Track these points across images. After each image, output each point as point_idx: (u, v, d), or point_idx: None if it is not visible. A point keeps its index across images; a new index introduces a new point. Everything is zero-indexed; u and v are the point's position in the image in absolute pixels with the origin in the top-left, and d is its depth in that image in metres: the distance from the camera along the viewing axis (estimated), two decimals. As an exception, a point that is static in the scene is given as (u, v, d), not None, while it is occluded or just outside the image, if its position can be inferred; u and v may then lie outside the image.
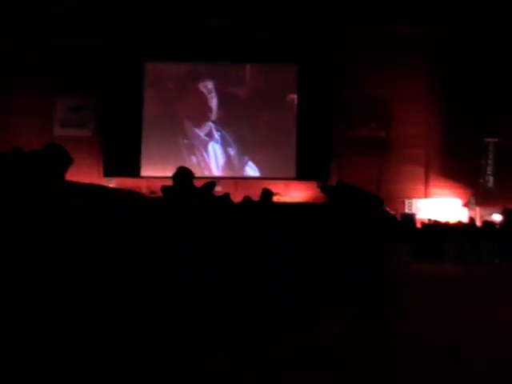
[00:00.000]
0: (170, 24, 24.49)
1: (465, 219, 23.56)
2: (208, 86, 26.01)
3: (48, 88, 25.52)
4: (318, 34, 24.87)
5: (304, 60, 25.60)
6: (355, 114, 25.62)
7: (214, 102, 26.05)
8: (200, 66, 25.94)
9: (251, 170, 25.73)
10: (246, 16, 24.42)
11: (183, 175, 7.68)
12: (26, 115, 25.64)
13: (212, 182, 8.43)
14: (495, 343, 7.69)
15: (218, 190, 25.28)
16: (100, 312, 3.96)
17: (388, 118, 25.98)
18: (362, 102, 25.46)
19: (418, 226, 22.87)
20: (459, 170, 24.80)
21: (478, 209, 24.83)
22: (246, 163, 25.80)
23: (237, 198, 11.88)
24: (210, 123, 25.96)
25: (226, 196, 9.64)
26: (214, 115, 25.98)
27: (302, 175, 25.50)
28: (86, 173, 25.00)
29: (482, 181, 24.78)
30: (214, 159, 25.85)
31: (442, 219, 23.27)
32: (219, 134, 25.84)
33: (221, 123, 25.88)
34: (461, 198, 25.08)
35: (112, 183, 24.98)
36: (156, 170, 24.99)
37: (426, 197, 25.32)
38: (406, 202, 25.08)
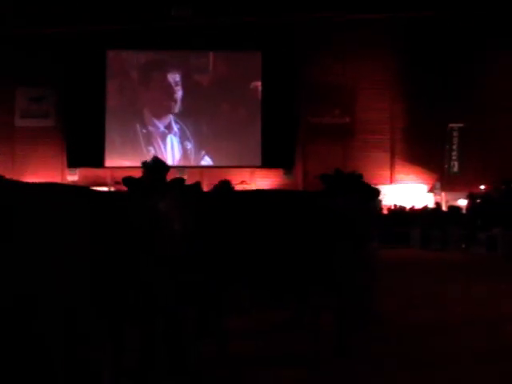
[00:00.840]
0: (132, 12, 24.22)
1: (431, 204, 23.61)
2: (171, 75, 25.80)
3: (8, 79, 25.09)
4: (281, 21, 24.73)
5: (268, 47, 25.49)
6: (319, 101, 25.60)
7: (176, 91, 25.84)
8: (162, 55, 25.79)
9: (215, 159, 25.56)
10: (209, 3, 24.25)
11: (155, 167, 7.53)
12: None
13: (181, 178, 8.27)
14: (469, 323, 7.85)
15: (184, 178, 25.05)
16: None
17: (352, 104, 26.00)
18: (326, 89, 25.44)
19: (385, 212, 22.87)
20: (424, 156, 24.89)
21: (443, 194, 24.94)
22: (210, 151, 25.63)
23: (204, 187, 11.80)
24: (173, 112, 25.74)
25: (197, 185, 9.51)
26: (177, 104, 25.75)
27: (267, 163, 25.42)
28: (49, 164, 24.79)
29: (446, 166, 24.86)
30: (177, 148, 25.64)
31: (408, 205, 23.32)
32: (183, 123, 25.63)
33: (184, 112, 25.70)
34: (426, 183, 25.17)
35: (75, 174, 24.79)
36: (120, 161, 24.81)
37: (391, 183, 25.34)
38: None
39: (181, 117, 25.65)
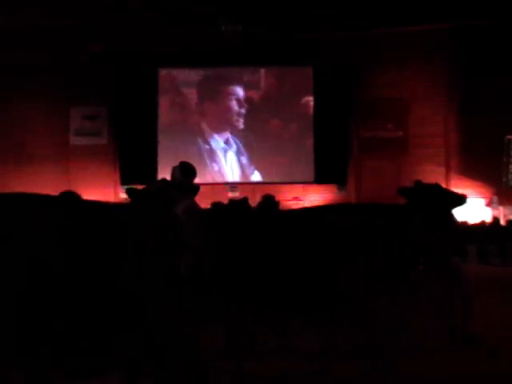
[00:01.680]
0: (182, 31, 24.28)
1: (488, 219, 23.16)
2: (222, 92, 25.76)
3: (63, 98, 25.36)
4: (332, 36, 24.58)
5: (319, 62, 25.35)
6: (372, 115, 25.37)
7: (228, 108, 25.79)
8: (213, 72, 25.77)
9: (267, 175, 25.41)
10: (259, 20, 24.19)
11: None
12: (41, 127, 25.47)
13: (197, 186, 8.21)
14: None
15: (235, 195, 25.19)
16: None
17: (405, 118, 25.67)
18: (379, 103, 25.23)
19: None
20: (481, 169, 24.43)
21: (501, 208, 24.42)
22: (261, 167, 25.50)
23: (256, 203, 11.68)
24: (227, 127, 25.67)
25: (245, 201, 9.41)
26: (228, 120, 25.70)
27: (320, 178, 25.23)
28: (103, 181, 24.91)
29: (504, 179, 24.38)
30: (229, 165, 25.56)
31: (465, 219, 22.92)
32: (235, 139, 25.57)
33: (237, 128, 25.62)
34: (483, 197, 24.67)
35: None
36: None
37: (447, 197, 24.89)
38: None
39: (233, 133, 25.60)
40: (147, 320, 6.43)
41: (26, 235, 6.07)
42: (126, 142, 25.29)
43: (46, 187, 23.35)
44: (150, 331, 6.52)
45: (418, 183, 8.98)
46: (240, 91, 25.74)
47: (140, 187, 7.35)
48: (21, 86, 25.37)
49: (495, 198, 24.55)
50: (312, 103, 25.61)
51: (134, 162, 25.11)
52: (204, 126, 25.66)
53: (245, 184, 24.98)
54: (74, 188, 11.03)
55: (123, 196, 24.96)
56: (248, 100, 25.73)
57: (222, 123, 25.67)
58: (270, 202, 9.49)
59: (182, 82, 25.88)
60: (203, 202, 25.59)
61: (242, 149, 25.54)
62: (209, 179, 25.22)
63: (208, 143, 25.62)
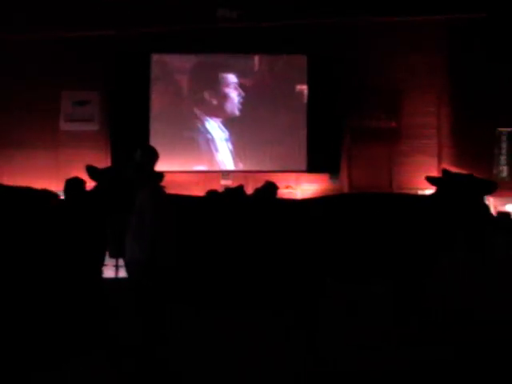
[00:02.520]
0: (176, 15, 24.16)
1: (478, 210, 23.13)
2: (216, 79, 25.61)
3: (53, 82, 25.12)
4: (327, 24, 24.51)
5: (313, 50, 25.25)
6: (365, 104, 25.34)
7: (222, 95, 25.66)
8: (207, 58, 25.60)
9: (260, 163, 25.32)
10: (254, 6, 24.11)
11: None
12: (29, 112, 25.20)
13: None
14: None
15: (228, 183, 25.09)
16: None
17: (398, 108, 25.66)
18: (372, 93, 25.19)
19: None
20: (472, 160, 24.41)
21: (491, 199, 24.43)
22: (254, 155, 25.40)
23: (248, 191, 11.63)
24: (220, 115, 25.54)
25: (240, 189, 9.34)
26: (222, 107, 25.57)
27: (312, 167, 25.18)
28: (93, 168, 24.70)
29: (495, 171, 24.42)
30: (222, 152, 25.45)
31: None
32: (228, 126, 25.45)
33: (230, 116, 25.50)
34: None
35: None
36: (165, 164, 24.65)
37: (439, 188, 24.90)
38: (419, 193, 24.69)
39: (226, 120, 25.47)
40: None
41: None
42: (118, 129, 25.08)
43: (35, 173, 23.32)
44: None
45: (446, 172, 8.95)
46: (233, 78, 25.62)
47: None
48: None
49: (487, 190, 24.54)
50: (306, 92, 25.49)
51: (126, 148, 24.83)
52: (197, 112, 25.51)
53: (237, 172, 24.92)
54: (64, 174, 10.95)
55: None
56: (241, 87, 25.60)
57: (215, 110, 25.54)
58: (270, 188, 9.42)
59: (174, 68, 25.71)
60: (196, 189, 25.52)
61: (235, 136, 25.43)
62: (201, 167, 25.15)
63: (201, 130, 25.49)
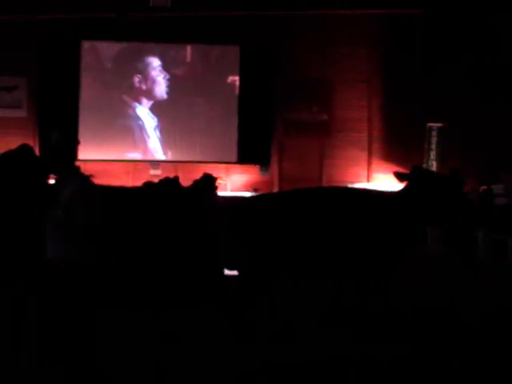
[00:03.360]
0: (109, 2, 23.82)
1: (408, 204, 23.34)
2: (147, 68, 25.32)
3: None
4: (260, 15, 24.44)
5: (246, 42, 25.16)
6: (297, 97, 25.37)
7: (152, 84, 25.38)
8: (139, 46, 25.34)
9: (190, 154, 25.14)
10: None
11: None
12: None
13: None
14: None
15: (157, 173, 24.86)
16: None
17: (330, 101, 25.72)
18: (304, 86, 25.23)
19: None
20: (402, 155, 24.60)
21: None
22: (185, 146, 25.23)
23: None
24: (150, 104, 25.25)
25: (176, 180, 9.11)
26: (152, 97, 25.30)
27: (243, 159, 25.11)
28: (20, 155, 24.17)
29: (425, 165, 24.65)
30: (152, 142, 25.19)
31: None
32: (158, 116, 25.20)
33: (159, 104, 25.25)
34: (404, 182, 24.84)
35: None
36: (94, 153, 24.39)
37: (368, 181, 25.13)
38: (349, 186, 24.83)
39: (156, 109, 25.21)
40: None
41: None
42: (47, 116, 24.60)
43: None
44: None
45: (416, 168, 8.95)
46: (165, 67, 25.36)
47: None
48: None
49: (415, 184, 24.78)
50: (238, 83, 25.39)
51: (54, 136, 24.52)
52: (126, 101, 25.18)
53: (167, 162, 24.72)
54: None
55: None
56: (173, 77, 25.36)
57: (146, 99, 25.25)
58: (209, 180, 9.20)
59: (105, 55, 25.32)
60: (125, 179, 25.24)
61: (165, 125, 25.20)
62: (133, 154, 24.87)
63: (130, 120, 25.17)
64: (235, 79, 25.53)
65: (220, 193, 10.10)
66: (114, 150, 24.74)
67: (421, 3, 24.04)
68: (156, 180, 9.29)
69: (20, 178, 6.32)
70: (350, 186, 24.74)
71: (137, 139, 25.15)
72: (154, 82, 25.39)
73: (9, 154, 6.59)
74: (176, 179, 8.88)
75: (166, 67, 25.37)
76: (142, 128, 25.22)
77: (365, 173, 25.39)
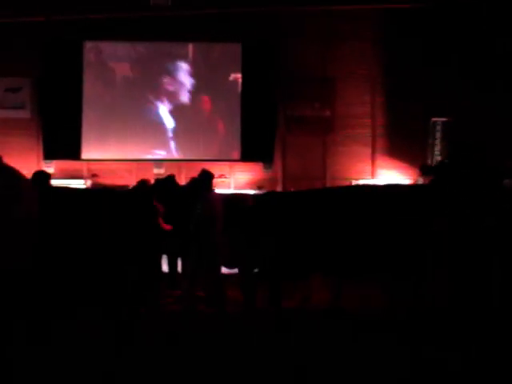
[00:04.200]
0: (110, 2, 23.83)
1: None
2: (150, 66, 25.34)
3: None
4: (262, 12, 24.40)
5: (248, 39, 25.15)
6: (300, 94, 25.30)
7: (155, 83, 25.39)
8: (141, 46, 25.30)
9: (193, 152, 25.14)
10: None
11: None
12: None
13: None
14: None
15: (161, 172, 24.86)
16: None
17: (333, 98, 25.64)
18: (307, 82, 25.17)
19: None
20: (407, 150, 24.62)
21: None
22: (188, 144, 25.24)
23: (181, 180, 11.48)
24: (153, 103, 25.25)
25: (171, 178, 9.15)
26: (155, 95, 25.29)
27: (246, 156, 25.11)
28: (24, 156, 24.29)
29: (429, 161, 24.60)
30: (155, 141, 25.19)
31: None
32: (162, 115, 25.20)
33: (163, 104, 25.26)
34: (409, 178, 24.89)
35: (51, 166, 24.30)
36: (97, 153, 24.48)
37: (372, 178, 25.11)
38: (353, 183, 24.83)
39: (159, 109, 25.22)
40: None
41: None
42: (50, 116, 24.69)
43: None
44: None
45: (442, 163, 8.95)
46: (167, 66, 25.37)
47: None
48: None
49: (420, 180, 24.74)
50: (240, 80, 25.39)
51: (58, 136, 24.60)
52: (130, 101, 25.19)
53: (171, 161, 24.72)
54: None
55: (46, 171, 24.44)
56: (176, 75, 25.36)
57: (149, 98, 25.26)
58: (206, 177, 9.19)
59: (107, 55, 25.33)
60: (129, 177, 25.27)
61: (169, 125, 25.21)
62: (133, 155, 24.86)
63: (134, 118, 25.16)
64: (237, 77, 25.53)
65: (225, 191, 10.11)
66: (117, 150, 24.76)
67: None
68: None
69: None
70: (354, 182, 24.85)
71: (137, 140, 25.04)
72: (159, 86, 25.32)
73: None
74: (171, 177, 8.92)
75: (167, 66, 25.37)
76: (143, 129, 25.12)
77: (369, 169, 25.35)
